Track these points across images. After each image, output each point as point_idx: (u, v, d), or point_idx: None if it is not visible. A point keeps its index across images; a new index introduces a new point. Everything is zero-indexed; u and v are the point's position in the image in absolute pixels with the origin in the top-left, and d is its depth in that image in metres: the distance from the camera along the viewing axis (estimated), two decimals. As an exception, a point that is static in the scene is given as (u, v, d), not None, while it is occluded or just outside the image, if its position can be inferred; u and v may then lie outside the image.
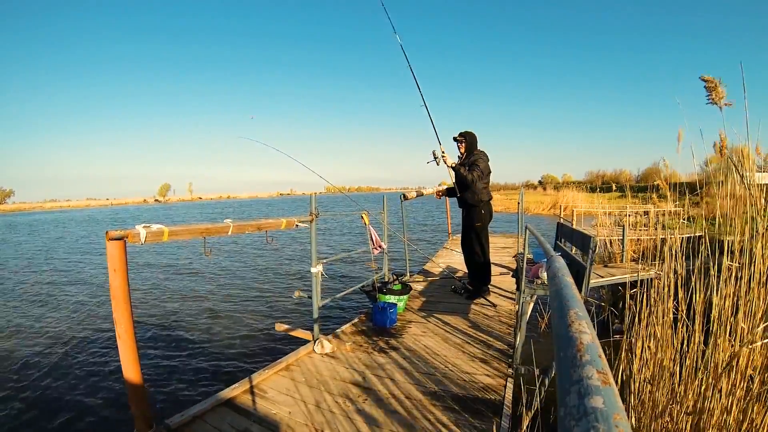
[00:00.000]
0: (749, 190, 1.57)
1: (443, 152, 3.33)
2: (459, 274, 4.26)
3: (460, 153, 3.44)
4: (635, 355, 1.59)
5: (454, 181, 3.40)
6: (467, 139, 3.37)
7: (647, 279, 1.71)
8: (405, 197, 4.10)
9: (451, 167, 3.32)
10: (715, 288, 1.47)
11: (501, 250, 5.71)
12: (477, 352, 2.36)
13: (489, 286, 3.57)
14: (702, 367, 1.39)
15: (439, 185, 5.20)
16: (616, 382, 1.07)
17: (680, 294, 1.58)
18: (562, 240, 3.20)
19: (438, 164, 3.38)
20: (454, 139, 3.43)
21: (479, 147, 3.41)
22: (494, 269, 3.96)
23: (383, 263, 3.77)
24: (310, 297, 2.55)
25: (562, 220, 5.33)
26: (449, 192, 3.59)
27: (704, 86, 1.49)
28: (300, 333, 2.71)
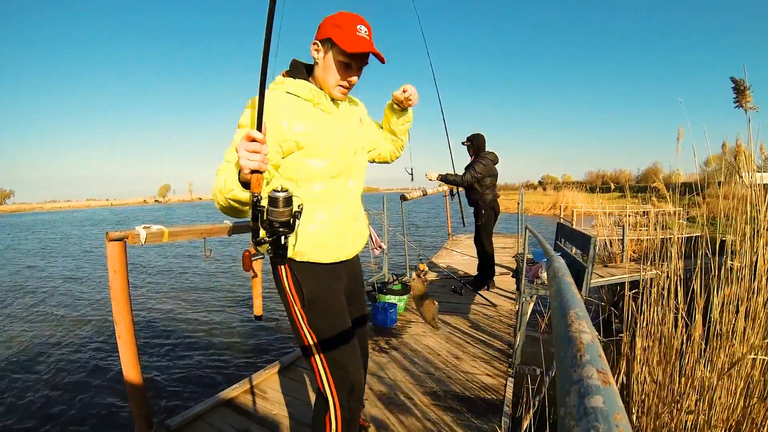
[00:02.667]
0: (749, 189, 1.57)
1: (428, 173, 3.44)
2: (459, 274, 4.26)
3: (471, 156, 3.57)
4: (635, 355, 1.60)
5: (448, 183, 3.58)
6: (473, 143, 3.51)
7: (647, 279, 1.71)
8: (404, 197, 4.10)
9: (438, 179, 3.41)
10: (715, 288, 1.47)
11: (501, 250, 5.70)
12: (477, 352, 2.36)
13: (491, 280, 3.73)
14: (702, 367, 1.39)
15: (439, 185, 5.20)
16: (616, 382, 1.08)
17: (680, 294, 1.58)
18: (562, 240, 3.20)
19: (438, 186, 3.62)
20: (463, 143, 3.55)
21: (488, 148, 3.52)
22: (495, 271, 3.97)
23: (383, 263, 3.77)
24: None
25: (562, 220, 5.34)
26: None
27: (732, 88, 1.51)
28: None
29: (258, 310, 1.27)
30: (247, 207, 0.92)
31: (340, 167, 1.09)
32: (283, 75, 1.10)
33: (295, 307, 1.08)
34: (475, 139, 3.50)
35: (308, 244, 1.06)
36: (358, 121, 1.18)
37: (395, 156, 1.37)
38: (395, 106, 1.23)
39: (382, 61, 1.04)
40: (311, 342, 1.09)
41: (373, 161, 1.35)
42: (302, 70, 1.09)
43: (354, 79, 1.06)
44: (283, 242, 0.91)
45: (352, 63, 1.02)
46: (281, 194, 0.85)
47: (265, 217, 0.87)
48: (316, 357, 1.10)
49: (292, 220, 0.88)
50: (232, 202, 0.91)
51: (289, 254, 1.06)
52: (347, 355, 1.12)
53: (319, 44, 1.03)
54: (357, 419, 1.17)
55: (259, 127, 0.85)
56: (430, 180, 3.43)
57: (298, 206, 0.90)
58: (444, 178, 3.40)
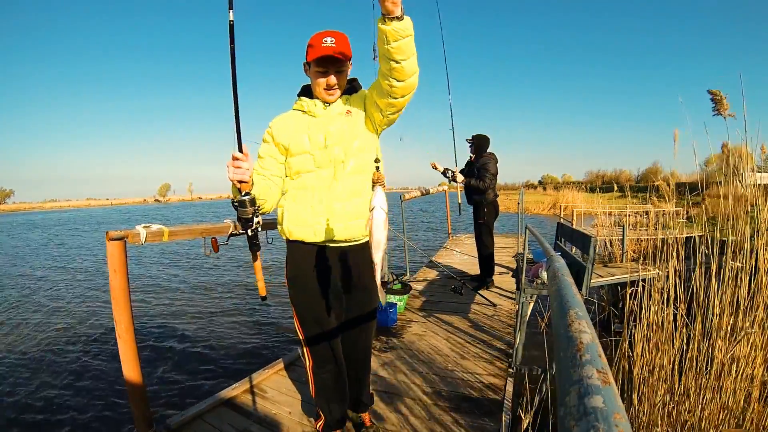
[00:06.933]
0: (748, 190, 1.58)
1: (454, 172, 3.60)
2: (459, 274, 4.26)
3: (471, 154, 3.70)
4: (635, 355, 1.59)
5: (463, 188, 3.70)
6: (476, 142, 3.62)
7: (647, 279, 1.71)
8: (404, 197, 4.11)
9: (463, 183, 3.59)
10: (715, 288, 1.47)
11: (501, 249, 5.70)
12: (477, 352, 2.36)
13: (490, 279, 3.77)
14: (702, 367, 1.39)
15: (439, 185, 5.21)
16: (616, 382, 1.08)
17: (680, 294, 1.58)
18: (562, 240, 3.20)
19: (450, 182, 3.66)
20: (467, 140, 3.67)
21: (490, 149, 3.62)
22: (494, 269, 3.97)
23: (383, 263, 3.76)
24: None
25: (562, 220, 5.33)
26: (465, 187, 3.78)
27: (711, 99, 1.60)
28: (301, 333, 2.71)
29: (262, 291, 1.44)
30: (251, 207, 1.16)
31: (324, 159, 1.26)
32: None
33: (286, 278, 1.39)
34: (477, 139, 3.61)
35: (290, 221, 1.29)
36: (344, 114, 1.30)
37: (396, 90, 1.13)
38: (383, 16, 1.00)
39: (346, 59, 1.21)
40: (292, 309, 1.41)
41: (385, 118, 1.25)
42: (303, 90, 1.36)
43: (332, 80, 1.24)
44: (250, 234, 1.21)
45: (326, 69, 1.22)
46: (246, 197, 1.13)
47: (238, 216, 1.15)
48: (295, 321, 1.43)
49: (253, 217, 1.16)
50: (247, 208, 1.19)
51: (283, 235, 1.35)
52: (317, 328, 1.37)
53: (305, 65, 1.27)
54: (328, 387, 1.44)
55: (240, 149, 1.13)
56: (458, 181, 3.58)
57: (258, 206, 1.17)
58: (467, 183, 3.54)
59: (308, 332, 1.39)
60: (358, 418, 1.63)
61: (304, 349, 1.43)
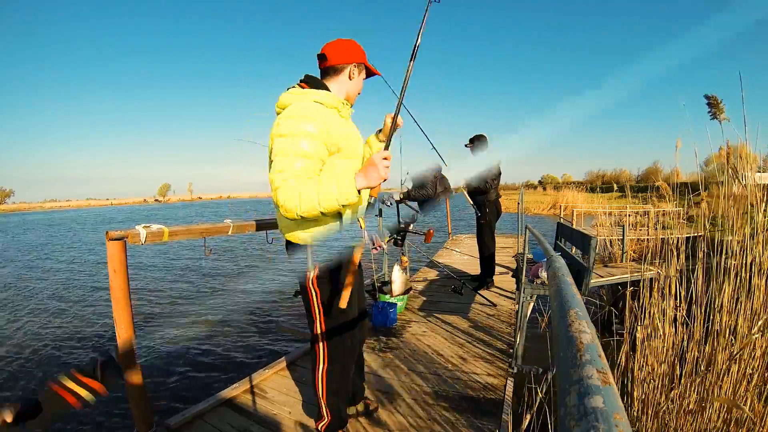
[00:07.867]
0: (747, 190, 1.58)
1: (464, 188, 3.62)
2: (459, 274, 4.26)
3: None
4: (635, 355, 1.60)
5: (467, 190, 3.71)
6: (475, 144, 3.62)
7: (647, 279, 1.71)
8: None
9: (468, 191, 3.61)
10: (715, 287, 1.47)
11: (501, 250, 5.70)
12: (477, 352, 2.36)
13: (490, 279, 3.78)
14: (702, 366, 1.39)
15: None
16: (616, 382, 1.07)
17: (680, 294, 1.58)
18: (562, 240, 3.20)
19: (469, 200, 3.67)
20: (466, 146, 3.66)
21: (490, 147, 3.64)
22: (495, 269, 3.97)
23: (383, 263, 3.77)
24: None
25: (562, 220, 5.33)
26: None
27: (707, 103, 1.63)
28: (301, 333, 2.71)
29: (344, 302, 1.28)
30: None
31: (359, 167, 1.28)
32: (301, 86, 1.24)
33: (314, 281, 1.31)
34: (477, 141, 3.60)
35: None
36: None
37: None
38: (380, 136, 1.41)
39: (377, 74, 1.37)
40: (317, 309, 1.32)
41: None
42: (320, 83, 1.26)
43: None
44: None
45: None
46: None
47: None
48: (318, 320, 1.33)
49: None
50: (342, 208, 1.16)
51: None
52: (343, 327, 1.35)
53: (359, 65, 1.29)
54: (343, 387, 1.42)
55: (387, 146, 1.18)
56: (462, 191, 3.62)
57: None
58: (472, 188, 3.58)
59: (332, 326, 1.34)
60: (363, 405, 1.70)
61: (321, 344, 1.35)
